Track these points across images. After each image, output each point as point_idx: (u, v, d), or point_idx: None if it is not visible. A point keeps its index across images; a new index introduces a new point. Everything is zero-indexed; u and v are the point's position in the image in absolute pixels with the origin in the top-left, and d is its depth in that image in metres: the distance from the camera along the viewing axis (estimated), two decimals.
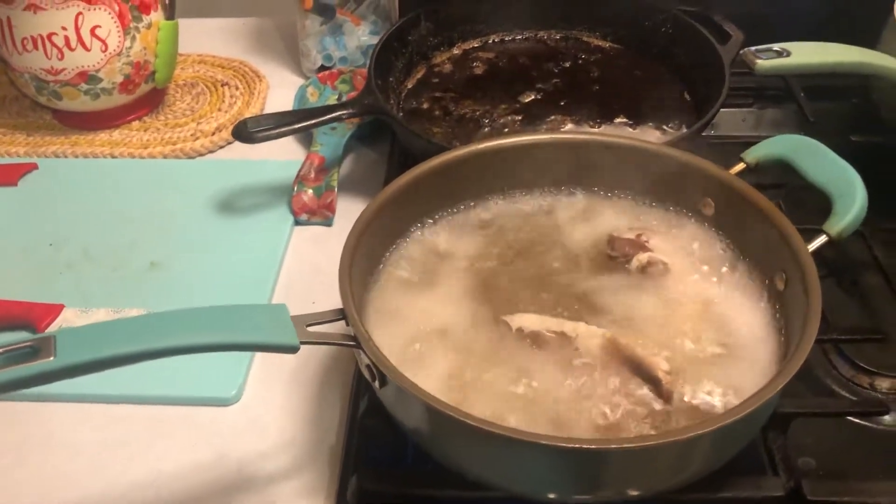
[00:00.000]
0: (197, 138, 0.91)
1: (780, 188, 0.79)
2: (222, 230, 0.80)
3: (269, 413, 0.65)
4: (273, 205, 0.83)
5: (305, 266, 0.78)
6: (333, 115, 0.76)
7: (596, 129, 0.83)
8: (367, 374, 0.53)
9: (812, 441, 0.63)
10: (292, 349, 0.50)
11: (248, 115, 0.95)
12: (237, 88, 0.99)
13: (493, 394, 0.54)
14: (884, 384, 0.67)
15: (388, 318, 0.60)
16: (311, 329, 0.52)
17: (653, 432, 0.52)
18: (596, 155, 0.68)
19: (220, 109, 0.96)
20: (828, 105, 0.91)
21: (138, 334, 0.46)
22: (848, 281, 0.74)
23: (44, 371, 0.44)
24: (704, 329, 0.59)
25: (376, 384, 0.52)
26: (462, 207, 0.68)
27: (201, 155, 0.91)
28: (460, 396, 0.54)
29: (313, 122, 0.76)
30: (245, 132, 0.75)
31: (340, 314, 0.53)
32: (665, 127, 0.83)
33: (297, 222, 0.82)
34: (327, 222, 0.82)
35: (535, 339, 0.58)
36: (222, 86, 0.99)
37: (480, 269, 0.64)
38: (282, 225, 0.81)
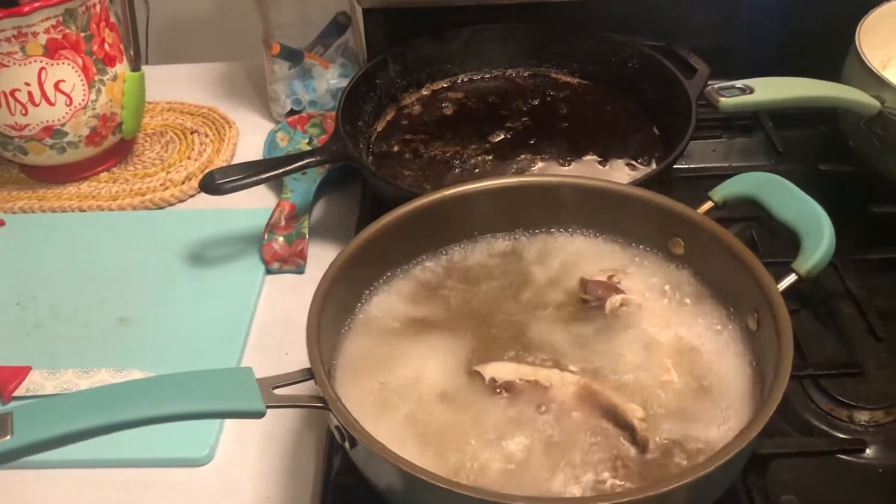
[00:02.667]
0: (166, 188, 0.91)
1: (753, 220, 0.80)
2: (193, 282, 0.79)
3: (242, 472, 0.64)
4: (244, 254, 0.82)
5: (278, 316, 0.77)
6: (301, 163, 0.76)
7: (565, 168, 0.83)
8: (336, 436, 0.52)
9: (793, 478, 0.63)
10: (258, 415, 0.49)
11: (218, 161, 0.94)
12: (207, 135, 0.98)
13: (466, 448, 0.54)
14: (862, 417, 0.67)
15: (360, 370, 0.59)
16: (278, 391, 0.51)
17: (629, 483, 0.51)
18: (565, 197, 0.68)
19: (189, 157, 0.95)
20: (796, 134, 0.91)
21: (98, 408, 0.45)
22: (823, 312, 0.74)
23: (1, 451, 0.43)
24: (680, 371, 0.58)
25: (346, 445, 0.51)
26: (432, 254, 0.68)
27: (171, 205, 0.90)
28: (434, 452, 0.53)
29: (281, 171, 0.76)
30: (212, 184, 0.74)
31: (308, 374, 0.52)
32: (635, 162, 0.83)
33: (269, 271, 0.81)
34: (299, 270, 0.81)
35: (509, 389, 0.57)
36: (191, 133, 0.98)
37: (453, 317, 0.63)
38: (253, 274, 0.80)
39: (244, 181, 0.75)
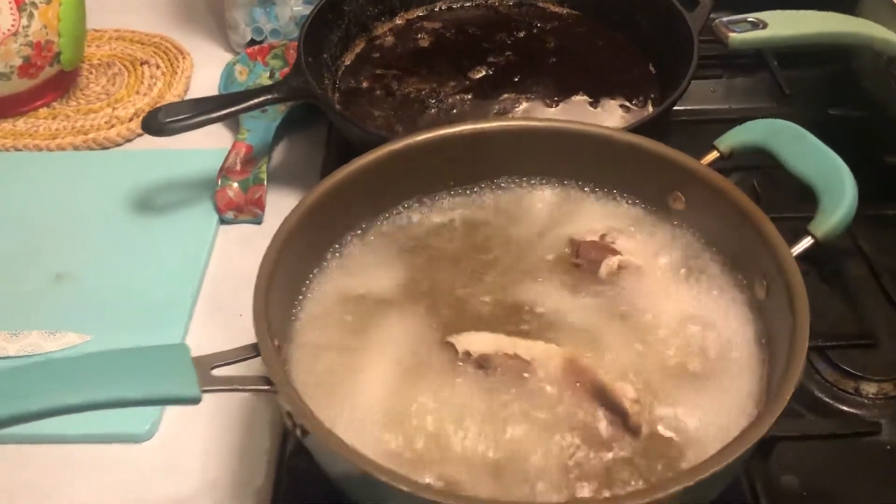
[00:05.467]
0: (112, 126, 0.82)
1: (755, 169, 0.73)
2: (139, 232, 0.72)
3: (188, 450, 0.57)
4: (196, 201, 0.74)
5: (232, 271, 0.70)
6: (255, 101, 0.68)
7: (552, 110, 0.75)
8: (287, 422, 0.45)
9: (794, 456, 0.57)
10: (192, 401, 0.42)
11: (169, 97, 0.86)
12: (158, 67, 0.89)
13: (433, 434, 0.47)
14: (870, 389, 0.61)
15: (318, 343, 0.52)
16: (217, 372, 0.44)
17: (620, 475, 0.45)
18: (551, 144, 0.60)
19: (138, 92, 0.86)
20: (803, 74, 0.84)
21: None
22: (830, 273, 0.67)
23: None
24: (679, 345, 0.52)
25: (298, 433, 0.45)
26: (403, 207, 0.60)
27: (117, 145, 0.82)
28: (397, 438, 0.47)
29: (233, 109, 0.67)
30: (156, 124, 0.66)
31: (254, 350, 0.45)
32: (629, 104, 0.76)
33: (223, 221, 0.73)
34: (256, 220, 0.73)
35: (485, 364, 0.51)
36: (142, 65, 0.89)
37: (426, 281, 0.56)
38: (205, 224, 0.72)
39: (192, 120, 0.67)
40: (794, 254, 0.50)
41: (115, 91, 0.87)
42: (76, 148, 0.80)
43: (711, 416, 0.48)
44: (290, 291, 0.53)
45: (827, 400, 0.61)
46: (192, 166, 0.76)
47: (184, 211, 0.73)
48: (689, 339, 0.52)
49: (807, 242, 0.51)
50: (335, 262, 0.57)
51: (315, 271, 0.56)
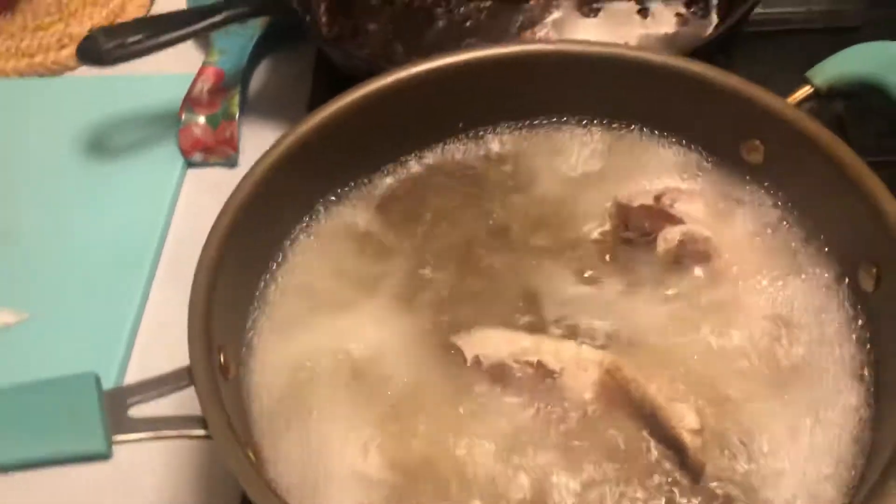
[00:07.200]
0: (64, 46, 0.69)
1: (850, 98, 0.58)
2: (90, 180, 0.60)
3: (142, 464, 0.47)
4: (160, 141, 0.62)
5: (201, 226, 0.56)
6: (210, 21, 0.54)
7: (590, 20, 0.61)
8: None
9: None
10: (99, 457, 0.31)
11: (131, 9, 0.72)
12: None
13: (432, 482, 0.36)
14: None
15: (277, 357, 0.40)
16: (134, 413, 0.33)
17: None
18: (591, 72, 0.47)
19: (96, 3, 0.73)
20: None
21: None
22: None
23: None
24: (757, 354, 0.39)
25: None
26: (401, 160, 0.48)
27: (70, 70, 0.69)
28: (381, 485, 0.36)
29: (186, 31, 0.54)
30: (95, 51, 0.53)
31: (188, 376, 0.34)
32: (686, 11, 0.61)
33: (190, 164, 0.61)
34: (229, 162, 0.61)
35: (500, 376, 0.39)
36: None
37: (425, 259, 0.44)
38: (170, 168, 0.61)
39: (142, 45, 0.54)
40: None
41: (68, 1, 0.73)
42: (21, 74, 0.68)
43: (803, 453, 0.36)
44: (247, 282, 0.41)
45: None
46: (157, 96, 0.64)
47: (144, 153, 0.62)
48: (769, 345, 0.39)
49: None
50: (304, 237, 0.44)
51: (278, 256, 0.43)
